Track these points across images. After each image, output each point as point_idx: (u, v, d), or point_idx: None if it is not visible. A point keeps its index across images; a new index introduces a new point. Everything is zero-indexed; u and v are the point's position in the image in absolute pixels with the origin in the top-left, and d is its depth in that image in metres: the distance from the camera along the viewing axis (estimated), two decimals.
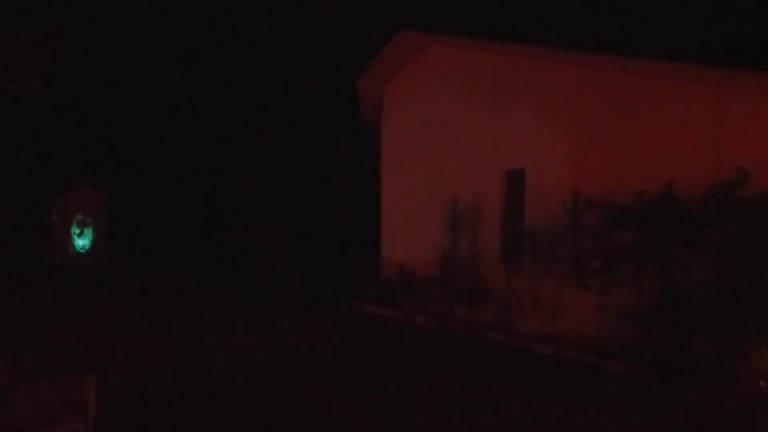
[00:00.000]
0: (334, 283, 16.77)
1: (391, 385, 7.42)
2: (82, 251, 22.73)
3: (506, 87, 11.12)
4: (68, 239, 22.76)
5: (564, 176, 9.70)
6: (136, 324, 11.32)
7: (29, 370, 7.51)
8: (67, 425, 4.68)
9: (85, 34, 16.90)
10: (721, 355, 7.05)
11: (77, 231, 22.75)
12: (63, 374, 6.80)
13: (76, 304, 13.64)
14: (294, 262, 17.88)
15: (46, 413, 4.83)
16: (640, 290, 7.96)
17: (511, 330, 10.30)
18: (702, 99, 8.13)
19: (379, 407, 6.46)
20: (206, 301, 14.42)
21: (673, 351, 7.47)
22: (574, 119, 9.72)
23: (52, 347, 9.07)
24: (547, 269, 9.74)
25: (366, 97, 15.62)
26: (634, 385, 7.33)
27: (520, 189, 10.69)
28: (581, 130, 9.59)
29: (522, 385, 7.52)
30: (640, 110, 8.78)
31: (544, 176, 10.14)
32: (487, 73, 11.59)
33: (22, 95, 13.38)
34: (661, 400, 6.79)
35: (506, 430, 5.82)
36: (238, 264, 20.90)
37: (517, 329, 10.24)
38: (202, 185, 21.52)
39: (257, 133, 19.26)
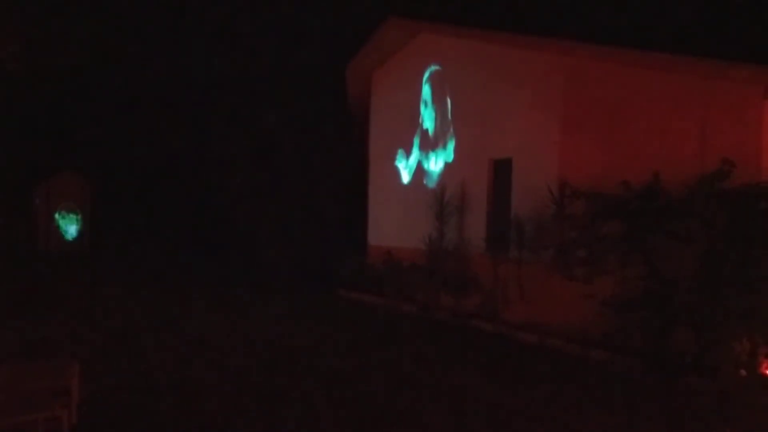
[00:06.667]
0: (320, 270, 16.74)
1: (373, 372, 7.43)
2: (70, 239, 22.48)
3: (494, 76, 11.09)
4: (51, 225, 22.50)
5: (551, 166, 9.70)
6: (118, 309, 11.25)
7: (11, 355, 7.43)
8: (51, 412, 4.63)
9: (70, 16, 16.63)
10: (703, 344, 7.12)
11: (62, 217, 22.49)
12: (46, 359, 6.74)
13: (58, 290, 13.53)
14: (280, 250, 17.82)
15: (29, 399, 4.78)
16: (625, 280, 7.99)
17: (496, 318, 10.34)
18: (688, 90, 8.17)
19: (359, 394, 6.47)
20: (191, 290, 14.34)
21: (656, 341, 7.53)
22: (561, 109, 9.70)
23: (34, 332, 9.00)
24: (533, 258, 9.76)
25: (354, 84, 15.54)
26: (618, 375, 7.40)
27: (507, 178, 10.69)
28: (568, 121, 9.58)
29: (505, 373, 7.56)
30: (627, 101, 8.80)
31: (531, 166, 10.13)
32: (475, 62, 11.56)
33: (4, 77, 13.15)
34: (644, 389, 6.86)
35: (489, 417, 5.85)
36: (225, 252, 20.80)
37: (502, 318, 10.28)
38: (189, 174, 21.35)
39: (244, 122, 19.12)
